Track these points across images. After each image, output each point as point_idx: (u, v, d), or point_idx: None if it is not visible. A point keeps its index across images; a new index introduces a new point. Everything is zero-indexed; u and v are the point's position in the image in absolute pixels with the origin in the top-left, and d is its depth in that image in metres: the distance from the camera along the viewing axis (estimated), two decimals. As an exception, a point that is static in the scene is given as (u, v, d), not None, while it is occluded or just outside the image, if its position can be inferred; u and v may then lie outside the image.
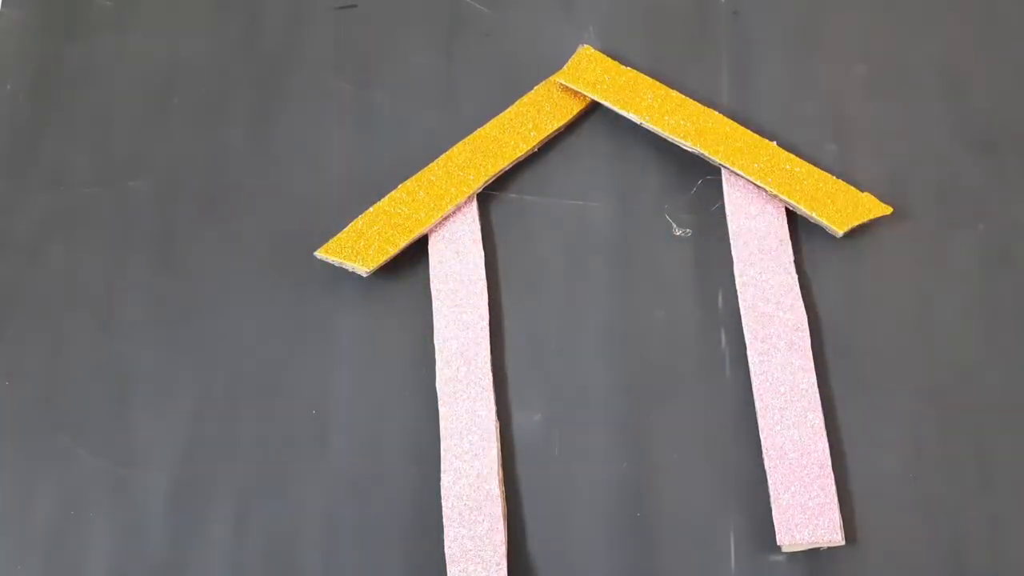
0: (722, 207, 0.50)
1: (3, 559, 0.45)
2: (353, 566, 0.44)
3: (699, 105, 0.51)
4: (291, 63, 0.56)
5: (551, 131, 0.52)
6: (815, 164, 0.51)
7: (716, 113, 0.51)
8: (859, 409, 0.46)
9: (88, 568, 0.44)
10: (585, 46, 0.54)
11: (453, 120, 0.54)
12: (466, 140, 0.52)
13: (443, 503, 0.44)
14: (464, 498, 0.44)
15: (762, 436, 0.44)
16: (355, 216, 0.50)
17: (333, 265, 0.49)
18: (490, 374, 0.47)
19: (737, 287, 0.48)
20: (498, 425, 0.46)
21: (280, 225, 0.52)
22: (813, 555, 0.43)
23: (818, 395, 0.45)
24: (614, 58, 0.54)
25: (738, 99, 0.54)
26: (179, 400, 0.48)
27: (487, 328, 0.47)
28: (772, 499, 0.43)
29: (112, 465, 0.46)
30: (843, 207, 0.48)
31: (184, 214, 0.52)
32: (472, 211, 0.50)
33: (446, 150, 0.52)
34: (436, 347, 0.47)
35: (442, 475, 0.44)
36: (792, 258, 0.48)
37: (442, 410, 0.46)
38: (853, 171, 0.51)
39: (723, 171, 0.50)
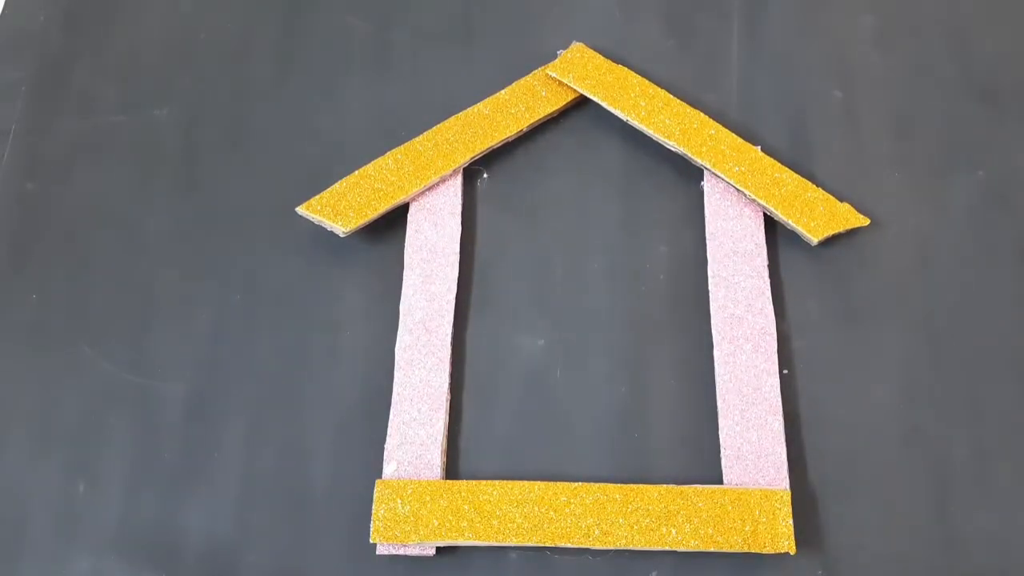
0: (702, 208, 0.50)
1: (27, 460, 0.47)
2: (358, 478, 0.46)
3: (686, 105, 0.51)
4: (313, 1, 0.58)
5: (543, 115, 0.52)
6: (822, 112, 0.52)
7: (702, 115, 0.51)
8: (854, 342, 0.47)
9: (106, 470, 0.46)
10: (578, 43, 0.54)
11: (469, 60, 0.56)
12: (457, 116, 0.52)
13: (384, 467, 0.45)
14: (405, 464, 0.44)
15: (721, 436, 0.44)
16: (369, 151, 0.52)
17: (313, 222, 0.50)
18: (449, 347, 0.47)
19: (709, 287, 0.48)
20: (449, 398, 0.46)
21: (296, 157, 0.54)
22: (800, 476, 0.44)
23: (780, 399, 0.45)
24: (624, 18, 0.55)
25: (748, 46, 0.55)
26: (197, 318, 0.49)
27: (453, 302, 0.48)
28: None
29: (132, 376, 0.48)
30: (820, 216, 0.48)
31: (206, 143, 0.54)
32: (456, 185, 0.51)
33: (461, 91, 0.54)
34: (400, 314, 0.48)
35: (387, 439, 0.45)
36: (766, 263, 0.48)
37: (397, 375, 0.46)
38: (858, 118, 0.52)
39: (705, 172, 0.50)
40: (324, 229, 0.50)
